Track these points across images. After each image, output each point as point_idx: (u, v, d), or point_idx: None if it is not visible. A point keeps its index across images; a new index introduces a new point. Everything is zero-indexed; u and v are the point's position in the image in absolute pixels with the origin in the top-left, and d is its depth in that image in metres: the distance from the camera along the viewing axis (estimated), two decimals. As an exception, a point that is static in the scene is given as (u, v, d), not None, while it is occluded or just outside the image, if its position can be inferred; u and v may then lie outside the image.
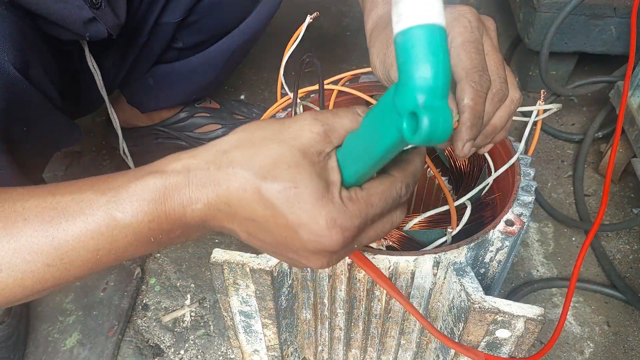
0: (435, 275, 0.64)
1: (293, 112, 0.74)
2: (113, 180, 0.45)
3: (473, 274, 0.62)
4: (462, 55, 0.49)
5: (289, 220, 0.42)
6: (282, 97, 0.83)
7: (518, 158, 0.73)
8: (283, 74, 0.82)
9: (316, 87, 0.81)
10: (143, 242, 0.45)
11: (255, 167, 0.42)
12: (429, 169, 0.87)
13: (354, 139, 0.43)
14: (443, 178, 0.84)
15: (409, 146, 0.45)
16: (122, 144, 1.05)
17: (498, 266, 0.69)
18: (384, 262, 0.62)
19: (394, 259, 0.62)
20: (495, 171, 0.77)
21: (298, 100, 0.79)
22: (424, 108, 0.32)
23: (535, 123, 0.74)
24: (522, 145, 0.74)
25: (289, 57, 0.81)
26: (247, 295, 0.68)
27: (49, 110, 0.73)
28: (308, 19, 0.79)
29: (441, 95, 0.32)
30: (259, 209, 0.43)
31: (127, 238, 0.44)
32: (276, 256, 0.49)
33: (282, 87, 0.83)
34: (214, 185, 0.43)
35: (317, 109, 0.77)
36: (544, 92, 0.73)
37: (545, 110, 0.74)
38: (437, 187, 0.87)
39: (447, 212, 0.73)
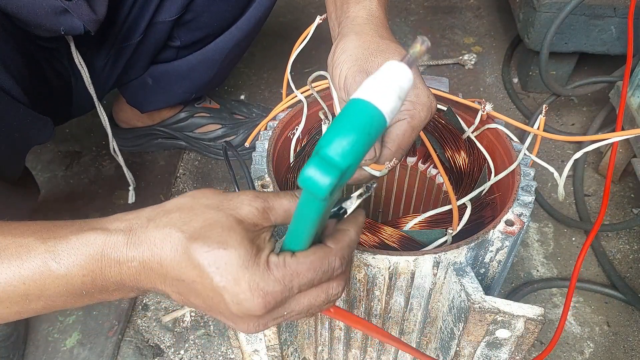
0: (435, 275, 0.64)
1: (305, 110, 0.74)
2: (58, 229, 0.46)
3: (473, 274, 0.62)
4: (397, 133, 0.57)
5: (214, 281, 0.43)
6: (287, 96, 0.83)
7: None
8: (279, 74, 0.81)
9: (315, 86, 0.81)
10: (74, 294, 0.47)
11: (190, 230, 0.44)
12: (428, 170, 0.87)
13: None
14: (443, 178, 0.84)
15: (347, 213, 0.49)
16: (112, 143, 1.04)
17: (498, 266, 0.69)
18: (384, 262, 0.62)
19: (394, 259, 0.62)
20: (494, 171, 0.77)
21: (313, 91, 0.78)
22: (318, 159, 0.35)
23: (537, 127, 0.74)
24: (523, 150, 0.74)
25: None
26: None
27: (10, 106, 0.72)
28: (318, 20, 0.78)
29: (336, 161, 0.35)
30: (187, 269, 0.44)
31: (58, 288, 0.46)
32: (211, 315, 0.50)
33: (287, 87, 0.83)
34: (150, 243, 0.45)
35: (323, 107, 0.77)
36: (544, 110, 0.74)
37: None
38: (437, 187, 0.87)
39: (447, 212, 0.73)
